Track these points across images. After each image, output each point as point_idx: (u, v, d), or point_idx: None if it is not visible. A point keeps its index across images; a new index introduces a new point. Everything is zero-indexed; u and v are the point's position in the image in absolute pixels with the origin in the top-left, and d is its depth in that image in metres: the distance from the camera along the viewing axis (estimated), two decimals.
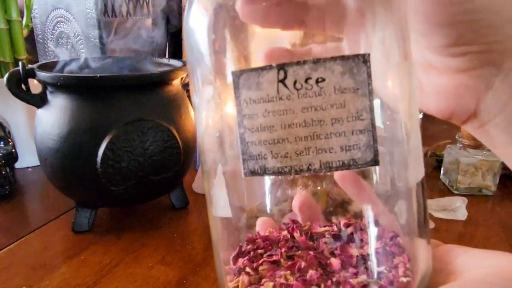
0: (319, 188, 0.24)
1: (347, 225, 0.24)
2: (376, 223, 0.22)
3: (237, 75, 0.20)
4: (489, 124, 0.23)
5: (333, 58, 0.19)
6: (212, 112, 0.23)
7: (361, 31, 0.21)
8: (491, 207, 0.63)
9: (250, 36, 0.22)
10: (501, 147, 0.23)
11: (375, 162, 0.19)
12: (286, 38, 0.23)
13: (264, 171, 0.20)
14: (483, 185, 0.65)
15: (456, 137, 0.67)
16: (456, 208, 0.60)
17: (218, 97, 0.22)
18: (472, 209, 0.60)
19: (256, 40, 0.22)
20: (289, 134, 0.19)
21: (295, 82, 0.19)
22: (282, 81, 0.19)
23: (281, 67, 0.19)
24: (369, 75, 0.19)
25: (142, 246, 0.52)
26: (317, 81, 0.19)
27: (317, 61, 0.19)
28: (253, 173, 0.20)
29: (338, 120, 0.19)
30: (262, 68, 0.19)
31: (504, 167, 0.64)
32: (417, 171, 0.22)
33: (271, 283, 0.21)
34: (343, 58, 0.19)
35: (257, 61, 0.22)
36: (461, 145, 0.66)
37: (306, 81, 0.19)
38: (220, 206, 0.23)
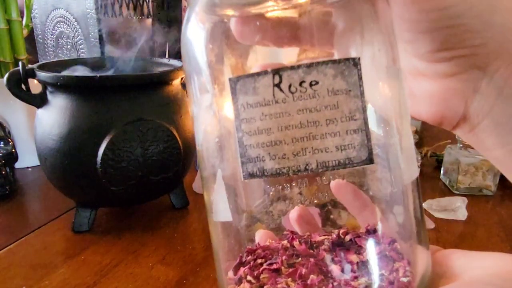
0: (315, 201, 0.24)
1: (346, 233, 0.24)
2: (374, 230, 0.23)
3: (234, 81, 0.20)
4: (478, 127, 0.23)
5: (325, 62, 0.19)
6: (210, 119, 0.23)
7: (350, 43, 0.22)
8: (491, 207, 0.63)
9: (246, 45, 0.22)
10: (491, 150, 0.23)
11: (370, 160, 0.20)
12: (281, 50, 0.23)
13: (262, 173, 0.20)
14: (483, 185, 0.65)
15: (456, 137, 0.67)
16: (456, 208, 0.60)
17: (216, 104, 0.22)
18: (472, 209, 0.60)
19: (252, 50, 0.23)
20: (286, 136, 0.20)
21: (290, 86, 0.19)
22: (278, 85, 0.20)
23: (276, 72, 0.19)
24: (360, 77, 0.19)
25: (142, 246, 0.52)
26: (310, 84, 0.19)
27: (310, 65, 0.19)
28: (251, 175, 0.20)
29: (333, 121, 0.19)
30: (258, 74, 0.20)
31: None
32: (411, 170, 0.22)
33: None
34: (335, 61, 0.19)
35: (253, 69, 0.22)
36: (461, 145, 0.66)
37: (300, 84, 0.19)
38: (220, 210, 0.23)
